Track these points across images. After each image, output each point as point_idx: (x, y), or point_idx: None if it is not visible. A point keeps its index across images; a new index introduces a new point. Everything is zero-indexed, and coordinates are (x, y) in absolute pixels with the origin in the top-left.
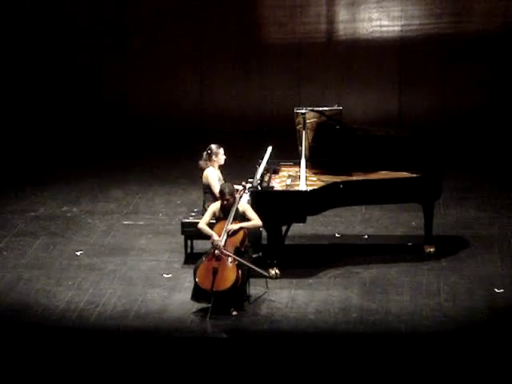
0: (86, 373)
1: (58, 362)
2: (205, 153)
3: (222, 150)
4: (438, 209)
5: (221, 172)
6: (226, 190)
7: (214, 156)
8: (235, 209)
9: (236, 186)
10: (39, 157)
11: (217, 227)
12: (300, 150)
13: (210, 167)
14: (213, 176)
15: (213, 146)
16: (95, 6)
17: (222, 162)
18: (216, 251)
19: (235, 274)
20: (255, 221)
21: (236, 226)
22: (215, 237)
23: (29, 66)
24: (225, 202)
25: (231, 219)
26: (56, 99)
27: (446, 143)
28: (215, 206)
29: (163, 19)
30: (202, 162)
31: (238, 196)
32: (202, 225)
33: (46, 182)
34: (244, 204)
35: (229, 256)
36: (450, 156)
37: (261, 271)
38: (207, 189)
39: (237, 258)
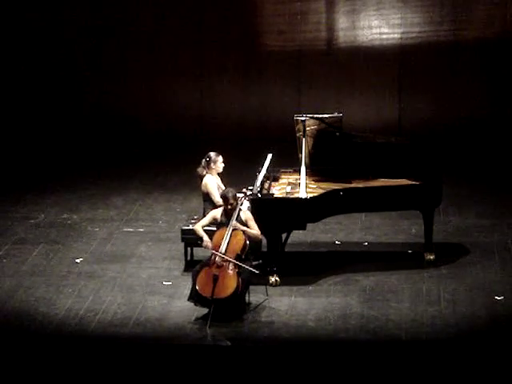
0: (85, 380)
1: (58, 369)
2: (203, 160)
3: (220, 158)
4: (438, 216)
5: (221, 179)
6: (230, 195)
7: (212, 164)
8: (237, 215)
9: (238, 194)
10: (39, 164)
11: (218, 234)
12: (300, 157)
13: (209, 175)
14: (212, 184)
15: (211, 154)
16: (95, 13)
17: (221, 169)
18: (217, 258)
19: (236, 282)
20: (256, 231)
21: (241, 227)
22: (205, 238)
23: (29, 72)
24: (229, 207)
25: (232, 225)
26: (56, 107)
27: (446, 150)
28: (216, 212)
29: (164, 27)
30: (199, 169)
31: (239, 203)
32: (198, 226)
33: (46, 189)
34: (247, 213)
35: (229, 261)
36: (450, 163)
37: (255, 271)
38: (206, 197)
39: (237, 262)
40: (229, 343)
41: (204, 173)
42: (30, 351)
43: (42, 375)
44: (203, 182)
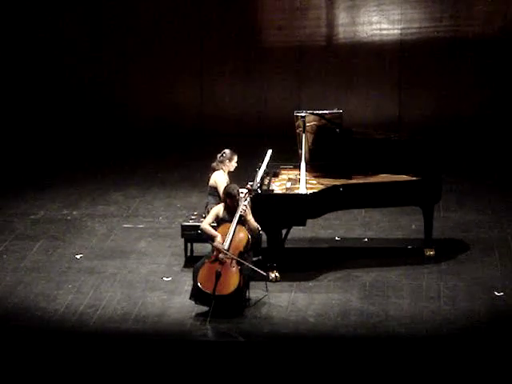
0: (85, 376)
1: (58, 365)
2: (219, 155)
3: (235, 158)
4: (438, 212)
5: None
6: (235, 191)
7: (227, 161)
8: (240, 211)
9: (241, 189)
10: (39, 160)
11: (220, 230)
12: (300, 153)
13: (220, 171)
14: (221, 180)
15: (227, 151)
16: (95, 10)
17: (232, 169)
18: (220, 254)
19: (238, 280)
20: (256, 224)
21: (249, 212)
22: (219, 238)
23: (29, 68)
24: (235, 204)
25: (236, 221)
26: (56, 102)
27: (446, 146)
28: (218, 209)
29: (163, 23)
30: (214, 164)
31: (242, 199)
32: (206, 225)
33: (46, 185)
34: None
35: (233, 258)
36: (450, 159)
37: (263, 273)
38: (212, 191)
39: (241, 260)
40: (228, 339)
41: (218, 167)
42: (30, 347)
43: (42, 371)
44: (212, 177)
